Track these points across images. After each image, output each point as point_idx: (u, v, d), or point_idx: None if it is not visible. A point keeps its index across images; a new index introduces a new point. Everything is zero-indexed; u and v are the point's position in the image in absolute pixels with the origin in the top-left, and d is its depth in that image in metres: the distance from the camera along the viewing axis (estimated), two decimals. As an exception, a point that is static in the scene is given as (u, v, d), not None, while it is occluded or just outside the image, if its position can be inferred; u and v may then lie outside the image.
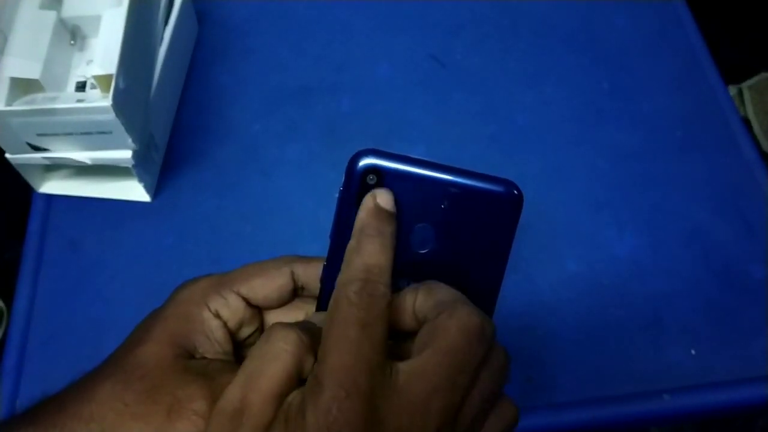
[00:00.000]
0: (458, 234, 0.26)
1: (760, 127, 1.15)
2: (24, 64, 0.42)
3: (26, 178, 0.47)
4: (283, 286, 0.29)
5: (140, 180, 0.46)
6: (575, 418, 0.41)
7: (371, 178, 0.25)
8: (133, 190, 0.48)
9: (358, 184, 0.25)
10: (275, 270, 0.29)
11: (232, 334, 0.29)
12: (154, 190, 0.49)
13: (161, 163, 0.50)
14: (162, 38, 0.49)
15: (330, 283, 0.26)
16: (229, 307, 0.28)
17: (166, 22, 0.49)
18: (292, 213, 0.48)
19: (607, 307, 0.45)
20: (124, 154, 0.44)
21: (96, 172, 0.48)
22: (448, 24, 0.58)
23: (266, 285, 0.28)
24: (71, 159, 0.44)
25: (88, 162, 0.44)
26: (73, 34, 0.46)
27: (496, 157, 0.51)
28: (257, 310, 0.30)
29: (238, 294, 0.28)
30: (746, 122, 1.15)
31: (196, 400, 0.24)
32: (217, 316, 0.28)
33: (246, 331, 0.29)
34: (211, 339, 0.28)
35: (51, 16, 0.44)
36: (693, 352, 0.43)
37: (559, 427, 0.41)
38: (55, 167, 0.49)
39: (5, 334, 0.45)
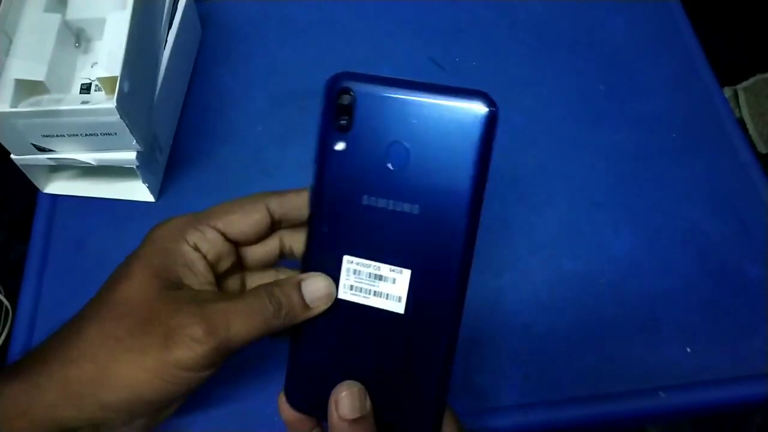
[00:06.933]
0: (431, 151, 0.26)
1: (755, 128, 1.15)
2: (29, 66, 0.42)
3: (31, 179, 0.48)
4: (259, 221, 0.30)
5: (144, 181, 0.47)
6: (572, 415, 0.41)
7: (346, 99, 0.26)
8: (138, 191, 0.48)
9: (334, 106, 0.26)
10: (251, 205, 0.30)
11: (211, 267, 0.29)
12: (159, 191, 0.49)
13: (165, 164, 0.50)
14: (166, 41, 0.49)
15: (319, 208, 0.27)
16: (207, 240, 0.29)
17: (169, 25, 0.50)
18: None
19: (603, 305, 0.45)
20: (128, 155, 0.44)
21: (101, 172, 0.49)
22: (446, 27, 0.58)
23: (242, 220, 0.29)
24: (76, 160, 0.44)
25: (93, 163, 0.44)
26: (77, 37, 0.46)
27: (494, 158, 0.51)
28: (234, 245, 0.30)
29: (215, 228, 0.29)
30: (741, 124, 1.15)
31: (190, 326, 0.25)
32: (196, 249, 0.28)
33: (224, 265, 0.30)
34: (194, 271, 0.28)
35: (55, 18, 0.44)
36: (689, 350, 0.44)
37: (556, 424, 0.41)
38: (60, 168, 0.49)
39: (10, 333, 0.45)
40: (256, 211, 0.29)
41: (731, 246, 0.48)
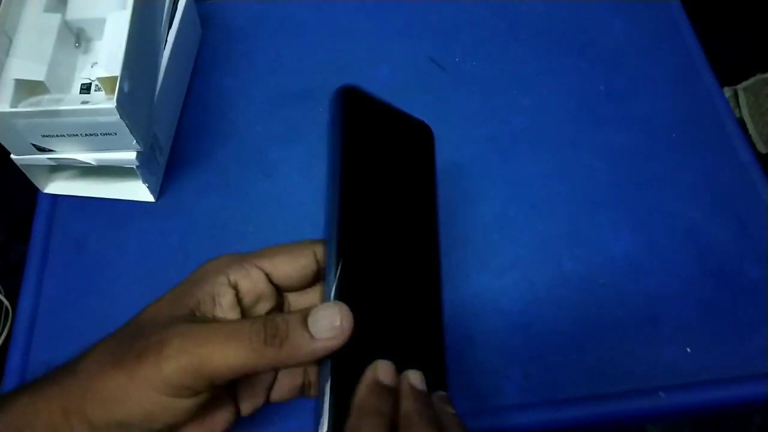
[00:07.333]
0: None
1: (755, 128, 1.15)
2: (29, 66, 0.42)
3: (31, 179, 0.48)
4: (306, 266, 0.29)
5: (144, 181, 0.47)
6: (572, 415, 0.41)
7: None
8: (138, 191, 0.48)
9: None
10: (298, 250, 0.29)
11: (244, 310, 0.28)
12: (158, 191, 0.49)
13: (165, 164, 0.50)
14: (166, 41, 0.49)
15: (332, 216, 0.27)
16: (249, 278, 0.28)
17: (169, 25, 0.50)
18: (294, 213, 0.49)
19: (603, 305, 0.45)
20: (128, 155, 0.44)
21: (101, 172, 0.49)
22: (447, 27, 0.58)
23: (289, 263, 0.28)
24: (76, 160, 0.44)
25: (93, 163, 0.45)
26: (77, 37, 0.46)
27: (494, 158, 0.52)
28: (277, 290, 0.29)
29: (261, 269, 0.28)
30: (741, 124, 1.15)
31: (165, 342, 0.24)
32: (235, 287, 0.28)
33: (262, 307, 0.29)
34: (216, 302, 0.27)
35: (55, 18, 0.44)
36: (688, 350, 0.44)
37: (556, 424, 0.42)
38: (60, 168, 0.49)
39: (10, 333, 0.45)
40: (303, 256, 0.29)
41: (731, 246, 0.48)
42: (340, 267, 0.25)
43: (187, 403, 0.24)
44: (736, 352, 0.44)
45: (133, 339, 0.25)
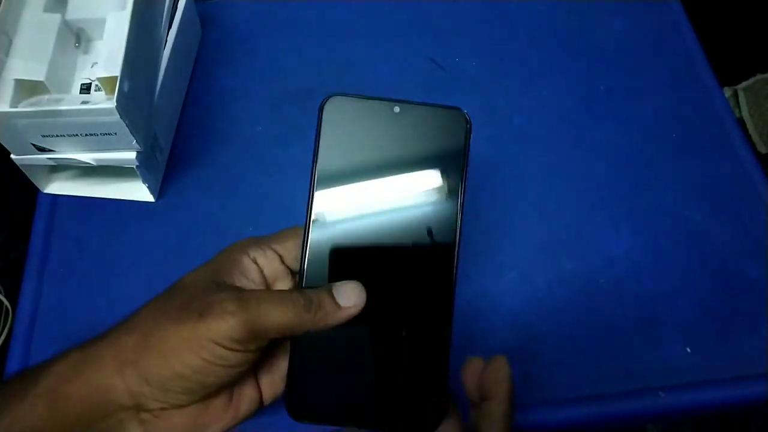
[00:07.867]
0: None
1: (755, 128, 1.15)
2: (29, 66, 0.42)
3: (31, 179, 0.48)
4: None
5: (144, 181, 0.47)
6: (572, 414, 0.41)
7: None
8: (138, 191, 0.48)
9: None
10: None
11: (267, 285, 0.31)
12: (158, 191, 0.49)
13: (165, 164, 0.50)
14: (166, 41, 0.49)
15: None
16: (265, 256, 0.31)
17: (169, 25, 0.50)
18: (294, 213, 0.48)
19: (603, 305, 0.45)
20: (128, 155, 0.44)
21: (101, 172, 0.49)
22: (447, 27, 0.58)
23: (298, 248, 0.31)
24: (76, 160, 0.44)
25: (93, 163, 0.45)
26: (77, 37, 0.46)
27: (494, 158, 0.52)
28: (291, 273, 0.32)
29: (274, 251, 0.31)
30: (741, 124, 1.15)
31: (225, 301, 0.27)
32: (255, 262, 0.31)
33: (279, 287, 0.32)
34: (248, 277, 0.30)
35: (55, 18, 0.44)
36: (688, 350, 0.44)
37: (556, 424, 0.42)
38: (60, 168, 0.49)
39: (10, 333, 0.45)
40: None
41: (731, 246, 0.48)
42: (307, 256, 0.29)
43: (239, 357, 0.27)
44: (736, 352, 0.44)
45: (188, 300, 0.28)
